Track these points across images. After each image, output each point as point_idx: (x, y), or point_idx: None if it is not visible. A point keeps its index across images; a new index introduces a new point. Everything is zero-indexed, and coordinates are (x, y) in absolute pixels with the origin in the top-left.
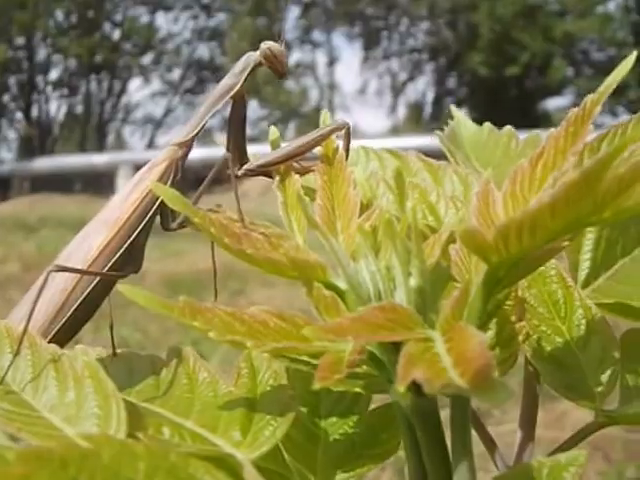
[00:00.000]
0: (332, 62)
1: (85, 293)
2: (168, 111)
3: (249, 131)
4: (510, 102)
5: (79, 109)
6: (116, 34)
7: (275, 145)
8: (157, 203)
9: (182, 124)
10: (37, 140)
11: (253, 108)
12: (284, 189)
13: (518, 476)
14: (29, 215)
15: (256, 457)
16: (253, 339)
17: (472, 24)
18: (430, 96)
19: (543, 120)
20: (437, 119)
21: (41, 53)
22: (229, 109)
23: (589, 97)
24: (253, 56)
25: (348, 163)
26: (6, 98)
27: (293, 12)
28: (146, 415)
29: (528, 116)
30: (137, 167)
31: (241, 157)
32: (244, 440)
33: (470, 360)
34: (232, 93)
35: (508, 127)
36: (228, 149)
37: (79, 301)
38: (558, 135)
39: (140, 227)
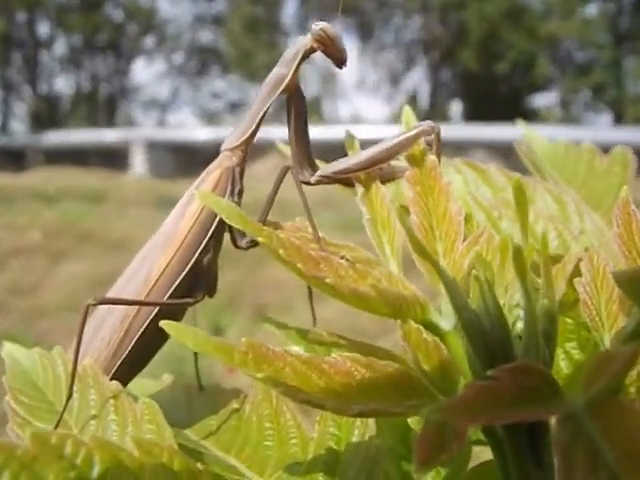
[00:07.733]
0: None
1: (146, 323)
2: (175, 91)
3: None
4: (500, 97)
5: (86, 85)
6: (117, 14)
7: (352, 150)
8: (219, 217)
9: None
10: (47, 114)
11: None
12: (370, 203)
13: None
14: (47, 186)
15: None
16: (334, 397)
17: (462, 21)
18: (425, 87)
19: (531, 115)
20: (433, 108)
21: (43, 29)
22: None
23: None
24: (304, 40)
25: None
26: (12, 72)
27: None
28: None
29: (517, 111)
30: (148, 144)
31: (308, 161)
32: None
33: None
34: (284, 85)
35: (587, 144)
36: (292, 155)
37: (140, 332)
38: None
39: (202, 245)
